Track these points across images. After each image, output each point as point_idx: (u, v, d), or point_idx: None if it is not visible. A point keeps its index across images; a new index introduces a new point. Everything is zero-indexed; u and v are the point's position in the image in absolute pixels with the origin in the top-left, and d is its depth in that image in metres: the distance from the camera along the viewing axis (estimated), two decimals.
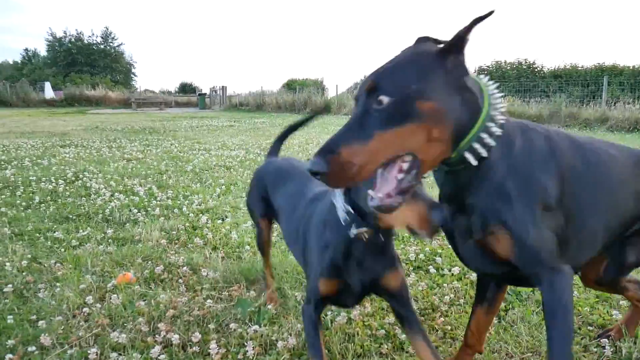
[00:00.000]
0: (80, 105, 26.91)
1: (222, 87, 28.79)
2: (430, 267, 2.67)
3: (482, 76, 1.22)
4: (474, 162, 1.16)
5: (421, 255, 2.81)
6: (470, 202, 1.25)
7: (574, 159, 1.32)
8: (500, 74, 22.19)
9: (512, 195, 1.19)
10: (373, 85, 1.05)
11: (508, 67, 22.95)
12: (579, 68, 20.60)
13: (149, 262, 2.75)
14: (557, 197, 1.25)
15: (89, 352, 1.77)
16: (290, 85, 29.31)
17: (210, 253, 2.90)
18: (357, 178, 1.03)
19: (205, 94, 29.91)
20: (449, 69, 1.08)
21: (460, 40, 1.07)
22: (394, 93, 1.03)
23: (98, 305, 2.18)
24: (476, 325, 1.66)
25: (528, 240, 1.20)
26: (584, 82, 18.38)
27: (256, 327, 1.99)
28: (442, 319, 2.14)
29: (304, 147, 8.18)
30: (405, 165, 1.08)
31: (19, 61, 50.85)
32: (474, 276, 2.52)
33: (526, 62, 22.65)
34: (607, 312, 2.19)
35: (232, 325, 2.01)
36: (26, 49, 54.49)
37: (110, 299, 2.24)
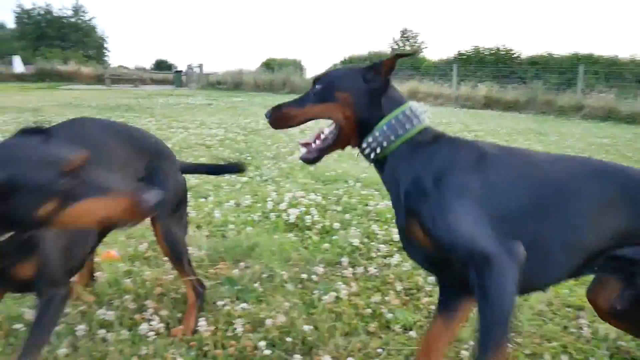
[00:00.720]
0: (52, 81, 26.03)
1: (199, 65, 28.25)
2: None
3: (416, 102, 1.59)
4: (371, 155, 1.52)
5: None
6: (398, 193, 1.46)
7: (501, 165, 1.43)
8: (479, 59, 22.38)
9: (427, 187, 1.36)
10: (316, 79, 1.60)
11: (487, 53, 23.14)
12: (556, 56, 20.92)
13: (133, 240, 2.72)
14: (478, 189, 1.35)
15: (76, 328, 1.75)
16: (268, 65, 28.96)
17: (195, 231, 2.88)
18: (289, 124, 1.61)
19: (181, 71, 29.26)
20: (367, 79, 1.54)
21: (379, 66, 1.54)
22: (325, 84, 1.56)
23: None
24: (430, 337, 1.52)
25: (440, 229, 1.30)
26: (560, 70, 18.67)
27: (244, 304, 2.00)
28: (426, 298, 2.19)
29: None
30: (326, 131, 1.56)
31: None
32: None
33: (504, 48, 22.89)
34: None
35: (220, 303, 2.01)
36: None
37: (95, 276, 2.21)
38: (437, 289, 2.26)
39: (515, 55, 22.49)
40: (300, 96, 1.63)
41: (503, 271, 1.24)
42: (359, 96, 1.54)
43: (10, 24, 45.83)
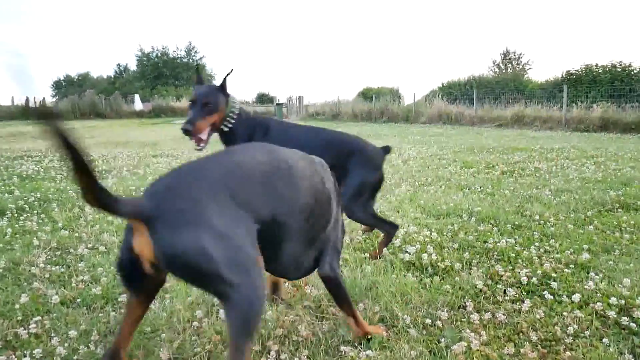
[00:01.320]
0: (167, 116, 28.41)
1: (299, 96, 29.31)
2: (545, 292, 2.46)
3: (236, 98, 2.95)
4: (224, 129, 2.91)
5: (534, 279, 2.60)
6: None
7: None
8: (591, 78, 20.83)
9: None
10: (201, 99, 2.81)
11: (600, 71, 21.48)
12: None
13: None
14: None
15: None
16: (365, 94, 29.25)
17: None
18: (202, 132, 2.81)
19: (282, 103, 30.52)
20: (220, 91, 2.86)
21: (224, 83, 2.88)
22: (209, 101, 2.81)
23: (206, 320, 2.20)
24: None
25: None
26: None
27: (368, 351, 1.91)
28: (568, 352, 1.95)
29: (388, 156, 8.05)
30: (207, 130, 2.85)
31: (112, 75, 54.65)
32: (598, 305, 2.30)
33: (621, 65, 21.07)
34: None
35: (343, 348, 1.95)
36: (118, 64, 58.46)
37: (218, 313, 2.25)
38: (578, 342, 2.03)
39: (635, 71, 20.61)
40: (195, 111, 2.79)
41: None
42: (217, 102, 2.84)
43: (133, 66, 50.71)
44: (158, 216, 1.34)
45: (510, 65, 37.98)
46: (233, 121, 2.91)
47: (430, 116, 20.43)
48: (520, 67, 37.45)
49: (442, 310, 2.28)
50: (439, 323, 2.17)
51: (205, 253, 1.32)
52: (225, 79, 2.91)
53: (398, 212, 4.21)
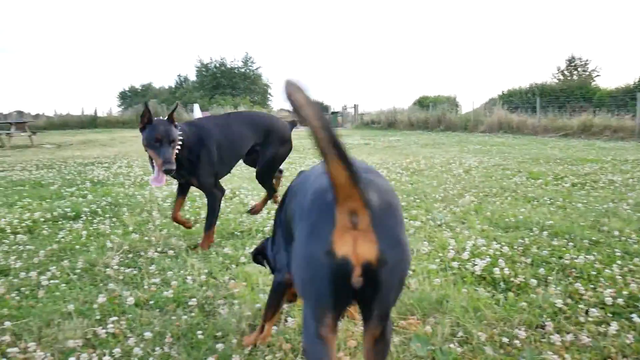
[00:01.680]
0: None
1: (354, 105, 29.31)
2: (634, 315, 2.28)
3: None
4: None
5: (619, 300, 2.43)
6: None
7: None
8: None
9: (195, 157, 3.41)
10: (166, 137, 3.10)
11: None
12: None
13: None
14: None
15: None
16: (422, 103, 28.85)
17: None
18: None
19: (337, 112, 30.63)
20: (174, 124, 3.21)
21: (171, 117, 3.20)
22: (172, 137, 3.14)
23: (275, 327, 2.19)
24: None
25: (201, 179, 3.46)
26: None
27: None
28: None
29: (446, 167, 7.89)
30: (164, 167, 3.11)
31: (173, 86, 56.76)
32: None
33: None
34: None
35: None
36: (179, 75, 60.70)
37: (286, 321, 2.25)
38: None
39: None
40: (163, 149, 3.06)
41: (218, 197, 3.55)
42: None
43: (192, 77, 52.49)
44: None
45: (576, 72, 36.24)
46: (180, 140, 3.23)
47: (489, 125, 19.83)
48: (587, 74, 35.66)
49: (519, 329, 2.16)
50: (517, 342, 2.06)
51: (409, 261, 1.24)
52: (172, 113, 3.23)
53: (463, 223, 4.08)
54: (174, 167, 3.05)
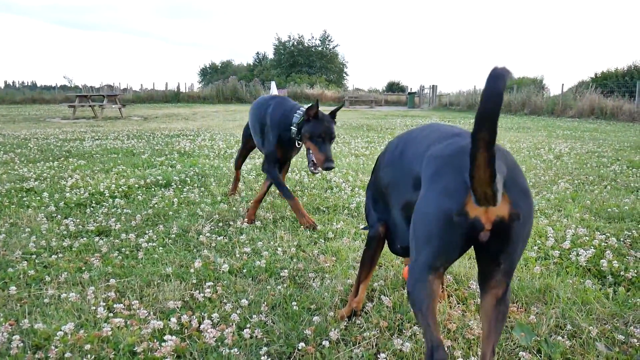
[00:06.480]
0: (300, 102, 29.39)
1: (432, 85, 28.47)
2: None
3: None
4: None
5: None
6: None
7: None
8: None
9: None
10: (324, 135, 3.16)
11: None
12: None
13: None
14: None
15: (378, 356, 1.72)
16: None
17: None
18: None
19: (414, 92, 29.92)
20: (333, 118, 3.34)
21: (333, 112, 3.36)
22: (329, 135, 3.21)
23: (370, 304, 2.15)
24: None
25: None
26: None
27: None
28: None
29: (534, 152, 7.47)
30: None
31: (251, 63, 57.92)
32: None
33: None
34: None
35: (521, 354, 1.77)
36: (257, 53, 61.84)
37: (380, 299, 2.20)
38: None
39: None
40: (325, 146, 3.12)
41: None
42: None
43: (271, 54, 53.20)
44: None
45: None
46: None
47: (579, 110, 18.53)
48: None
49: (635, 327, 1.99)
50: (634, 341, 1.89)
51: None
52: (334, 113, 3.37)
53: (559, 211, 3.82)
54: (334, 165, 3.12)
